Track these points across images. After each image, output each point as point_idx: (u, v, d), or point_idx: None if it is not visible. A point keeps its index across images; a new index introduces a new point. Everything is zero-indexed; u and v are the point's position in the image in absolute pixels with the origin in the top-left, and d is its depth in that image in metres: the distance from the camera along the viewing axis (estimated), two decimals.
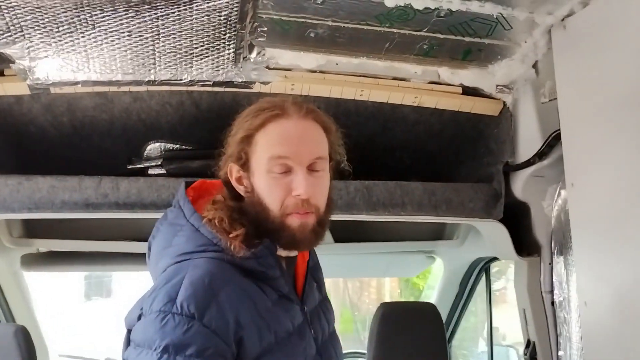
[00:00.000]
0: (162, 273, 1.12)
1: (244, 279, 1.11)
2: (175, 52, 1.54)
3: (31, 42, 1.45)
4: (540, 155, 1.68)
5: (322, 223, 1.18)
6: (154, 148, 1.75)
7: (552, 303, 1.80)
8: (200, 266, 1.09)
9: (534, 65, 1.69)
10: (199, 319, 1.02)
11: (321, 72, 1.68)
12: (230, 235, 1.11)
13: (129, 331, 1.11)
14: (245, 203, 1.20)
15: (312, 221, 1.16)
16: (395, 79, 1.74)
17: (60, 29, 1.43)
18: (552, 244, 1.79)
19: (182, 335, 1.00)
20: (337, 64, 1.68)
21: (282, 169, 1.14)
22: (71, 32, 1.45)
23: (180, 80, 1.62)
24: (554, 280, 1.79)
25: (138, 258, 2.27)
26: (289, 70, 1.66)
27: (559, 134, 1.56)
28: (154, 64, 1.56)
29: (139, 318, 1.09)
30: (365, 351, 2.14)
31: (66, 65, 1.54)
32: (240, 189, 1.20)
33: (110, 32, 1.46)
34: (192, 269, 1.08)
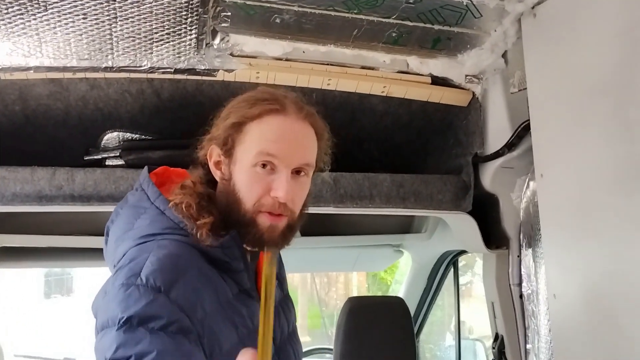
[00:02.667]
0: (124, 256, 1.06)
1: (208, 265, 1.07)
2: (134, 36, 1.47)
3: None
4: (509, 146, 1.66)
5: (292, 228, 1.14)
6: (111, 138, 1.67)
7: (521, 296, 1.79)
8: (166, 246, 1.04)
9: (504, 55, 1.67)
10: (165, 293, 0.97)
11: (287, 60, 1.63)
12: (198, 223, 1.07)
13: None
14: (219, 190, 1.16)
15: (282, 225, 1.11)
16: (363, 68, 1.70)
17: (10, 10, 1.35)
18: (521, 237, 1.78)
19: (146, 307, 0.94)
20: (303, 52, 1.63)
21: (268, 166, 1.09)
22: (22, 13, 1.36)
23: (140, 66, 1.55)
24: (522, 272, 1.78)
25: (97, 253, 2.20)
26: (254, 57, 1.61)
27: (529, 124, 1.55)
28: (112, 49, 1.49)
29: (103, 300, 1.02)
30: (332, 347, 2.10)
31: (17, 49, 1.45)
32: (217, 174, 1.16)
33: (63, 14, 1.38)
34: (157, 248, 1.03)
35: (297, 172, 1.12)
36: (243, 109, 1.13)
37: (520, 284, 1.79)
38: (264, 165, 1.09)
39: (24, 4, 1.34)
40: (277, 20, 1.52)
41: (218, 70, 1.59)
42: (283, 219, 1.11)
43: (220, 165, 1.15)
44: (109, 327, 0.95)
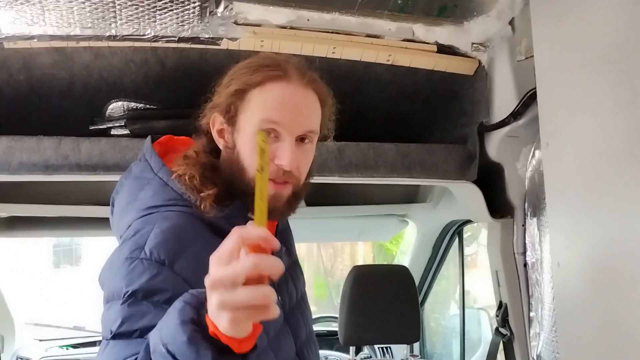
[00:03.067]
0: (128, 228, 1.06)
1: (214, 236, 1.05)
2: (137, 4, 1.45)
3: None
4: (515, 115, 1.65)
5: (297, 195, 1.14)
6: (116, 107, 1.67)
7: (525, 265, 1.80)
8: (170, 218, 1.04)
9: (511, 22, 1.64)
10: (169, 266, 0.97)
11: (291, 28, 1.62)
12: (202, 195, 1.06)
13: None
14: (222, 158, 1.15)
15: (287, 192, 1.11)
16: (368, 36, 1.68)
17: None
18: (526, 206, 1.78)
19: (150, 281, 0.95)
20: (308, 20, 1.61)
21: (272, 134, 1.07)
22: None
23: (143, 35, 1.53)
24: (526, 241, 1.79)
25: (104, 223, 2.22)
26: (258, 26, 1.59)
27: (535, 92, 1.53)
28: (115, 17, 1.47)
29: (108, 272, 1.04)
30: (338, 315, 2.13)
31: (20, 17, 1.44)
32: (220, 142, 1.14)
33: None
34: (161, 220, 1.03)
35: (301, 139, 1.11)
36: (245, 75, 1.11)
37: (524, 253, 1.80)
38: (268, 133, 1.07)
39: None
40: None
41: (222, 38, 1.57)
42: (287, 187, 1.10)
43: (224, 134, 1.14)
44: (114, 301, 0.96)
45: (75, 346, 2.99)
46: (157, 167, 1.12)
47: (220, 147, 1.15)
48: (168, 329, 0.78)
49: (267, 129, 1.07)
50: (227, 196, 1.10)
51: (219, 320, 0.73)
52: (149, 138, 1.20)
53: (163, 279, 0.96)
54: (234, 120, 1.11)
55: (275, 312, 0.72)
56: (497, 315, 1.91)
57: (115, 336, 0.92)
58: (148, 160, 1.15)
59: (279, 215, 1.16)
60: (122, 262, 0.98)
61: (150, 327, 0.89)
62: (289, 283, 1.25)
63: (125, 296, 0.94)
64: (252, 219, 1.12)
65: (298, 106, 1.10)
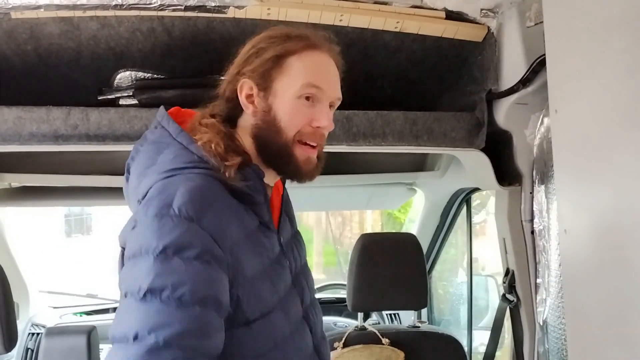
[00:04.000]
0: (151, 189, 1.08)
1: (231, 196, 1.10)
2: None
3: None
4: (524, 82, 1.63)
5: (320, 159, 1.22)
6: (124, 77, 1.67)
7: (532, 232, 1.81)
8: (193, 179, 1.06)
9: None
10: (197, 222, 1.00)
11: None
12: (226, 163, 1.09)
13: (124, 249, 1.07)
14: (255, 123, 1.19)
15: (314, 156, 1.19)
16: (376, 2, 1.66)
17: None
18: (534, 173, 1.77)
19: (181, 237, 0.97)
20: None
21: (311, 98, 1.16)
22: None
23: (150, 4, 1.53)
24: (534, 209, 1.79)
25: (113, 192, 2.24)
26: None
27: (544, 59, 1.52)
28: None
29: (133, 230, 1.05)
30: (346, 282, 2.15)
31: None
32: (249, 107, 1.19)
33: None
34: (184, 181, 1.05)
35: (330, 105, 1.20)
36: (280, 44, 1.17)
37: (532, 220, 1.81)
38: (307, 98, 1.16)
39: None
40: None
41: (229, 7, 1.56)
42: (314, 152, 1.19)
43: (254, 99, 1.18)
44: (142, 256, 0.97)
45: (88, 313, 3.06)
46: (176, 132, 1.15)
47: (248, 112, 1.19)
48: None
49: (308, 94, 1.16)
50: (246, 164, 1.14)
51: None
52: (162, 107, 1.22)
53: (193, 234, 0.99)
54: (269, 85, 1.17)
55: None
56: (504, 282, 1.93)
57: (147, 293, 0.94)
58: (165, 126, 1.17)
59: (311, 178, 1.23)
60: (151, 218, 1.00)
61: (181, 284, 0.94)
62: (294, 250, 1.29)
63: (157, 251, 0.96)
64: (266, 185, 1.16)
65: (332, 74, 1.21)
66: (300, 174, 1.19)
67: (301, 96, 1.15)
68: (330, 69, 1.20)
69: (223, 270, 1.01)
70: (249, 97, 1.19)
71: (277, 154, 1.17)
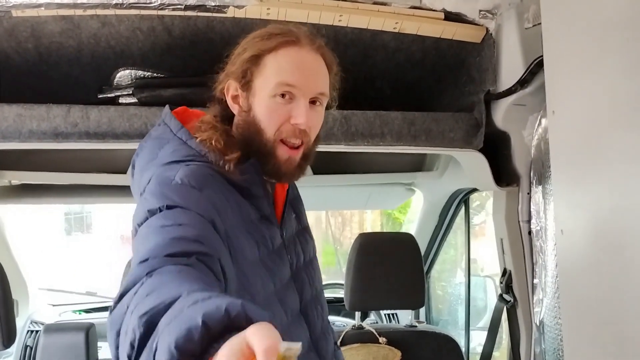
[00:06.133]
0: (150, 179, 1.10)
1: (232, 189, 1.12)
2: None
3: None
4: (522, 82, 1.64)
5: (306, 157, 1.21)
6: (124, 76, 1.68)
7: (529, 232, 1.81)
8: (191, 167, 1.08)
9: None
10: (200, 190, 1.02)
11: None
12: (226, 157, 1.12)
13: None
14: (237, 123, 1.20)
15: (298, 157, 1.18)
16: (375, 3, 1.67)
17: None
18: (531, 174, 1.78)
19: (185, 199, 0.99)
20: None
21: (287, 95, 1.15)
22: None
23: (150, 3, 1.54)
24: (532, 209, 1.80)
25: (113, 190, 2.25)
26: None
27: (542, 60, 1.53)
28: None
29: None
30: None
31: None
32: (235, 108, 1.20)
33: None
34: (183, 167, 1.08)
35: (312, 101, 1.17)
36: (259, 43, 1.17)
37: (529, 221, 1.81)
38: (283, 95, 1.14)
39: None
40: None
41: (228, 6, 1.57)
42: (299, 152, 1.18)
43: (238, 99, 1.20)
44: (151, 217, 0.97)
45: (87, 311, 3.06)
46: (177, 128, 1.17)
47: (235, 112, 1.21)
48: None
49: (283, 92, 1.14)
50: (243, 160, 1.15)
51: None
52: (167, 106, 1.24)
53: (197, 199, 1.00)
54: (250, 85, 1.17)
55: None
56: (501, 282, 1.94)
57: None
58: (167, 123, 1.20)
59: (290, 178, 1.23)
60: (155, 186, 1.03)
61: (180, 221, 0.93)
62: (297, 245, 1.30)
63: (161, 209, 0.97)
64: (265, 179, 1.17)
65: (310, 69, 1.17)
66: (279, 174, 1.19)
67: (275, 95, 1.14)
68: (308, 64, 1.17)
69: (221, 237, 1.01)
70: (235, 97, 1.20)
71: (258, 152, 1.16)
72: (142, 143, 1.23)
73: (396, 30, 1.72)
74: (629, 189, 1.22)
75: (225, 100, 1.22)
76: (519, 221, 1.84)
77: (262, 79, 1.16)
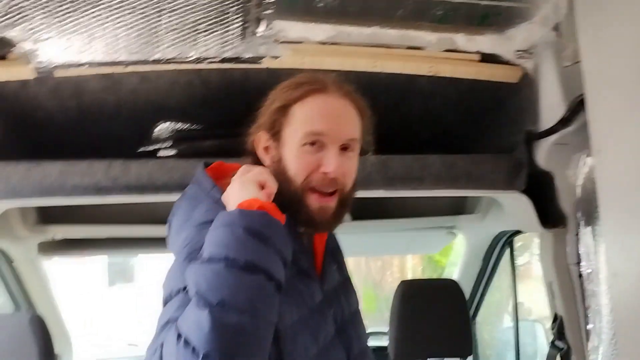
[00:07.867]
0: (185, 240, 1.10)
1: None
2: (180, 28, 1.49)
3: (32, 23, 1.42)
4: (564, 121, 1.60)
5: (343, 204, 1.17)
6: (163, 129, 1.72)
7: (580, 275, 1.74)
8: None
9: (556, 27, 1.61)
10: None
11: (332, 43, 1.62)
12: None
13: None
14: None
15: (333, 204, 1.15)
16: (409, 48, 1.67)
17: (61, 8, 1.39)
18: (579, 214, 1.72)
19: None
20: (348, 35, 1.62)
21: (316, 144, 1.13)
22: (73, 11, 1.41)
23: (187, 57, 1.57)
24: (581, 251, 1.72)
25: (153, 242, 2.27)
26: (299, 43, 1.60)
27: (583, 98, 1.49)
28: (159, 41, 1.51)
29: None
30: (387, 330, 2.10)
31: (70, 46, 1.50)
32: (266, 159, 1.20)
33: (112, 9, 1.42)
34: None
35: (344, 148, 1.16)
36: (286, 93, 1.17)
37: (578, 263, 1.74)
38: (312, 144, 1.14)
39: (74, 1, 1.38)
40: (321, 4, 1.51)
41: (264, 57, 1.59)
42: (333, 200, 1.15)
43: (269, 150, 1.19)
44: (172, 300, 0.98)
45: None
46: (209, 188, 1.17)
47: (266, 163, 1.20)
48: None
49: (312, 140, 1.13)
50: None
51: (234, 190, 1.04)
52: (201, 164, 1.25)
53: None
54: (279, 135, 1.17)
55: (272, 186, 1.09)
56: (552, 328, 1.85)
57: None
58: (200, 182, 1.20)
59: (327, 227, 1.21)
60: (179, 263, 1.04)
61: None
62: (341, 297, 1.27)
63: (180, 291, 0.98)
64: (301, 233, 1.15)
65: (338, 115, 1.17)
66: (313, 223, 1.17)
67: (305, 144, 1.13)
68: (336, 111, 1.16)
69: None
70: (266, 149, 1.20)
71: (289, 202, 1.13)
72: (177, 202, 1.23)
73: (431, 74, 1.71)
74: None
75: (255, 152, 1.22)
76: (567, 264, 1.77)
77: (290, 129, 1.16)
